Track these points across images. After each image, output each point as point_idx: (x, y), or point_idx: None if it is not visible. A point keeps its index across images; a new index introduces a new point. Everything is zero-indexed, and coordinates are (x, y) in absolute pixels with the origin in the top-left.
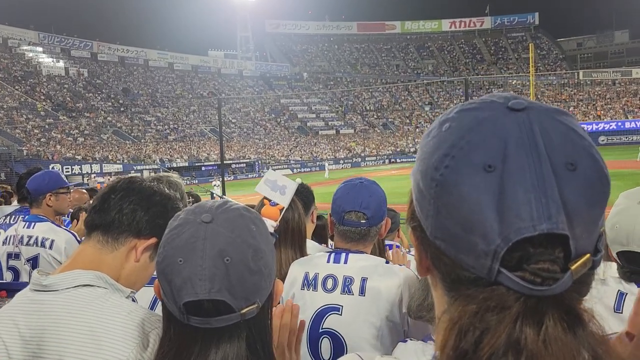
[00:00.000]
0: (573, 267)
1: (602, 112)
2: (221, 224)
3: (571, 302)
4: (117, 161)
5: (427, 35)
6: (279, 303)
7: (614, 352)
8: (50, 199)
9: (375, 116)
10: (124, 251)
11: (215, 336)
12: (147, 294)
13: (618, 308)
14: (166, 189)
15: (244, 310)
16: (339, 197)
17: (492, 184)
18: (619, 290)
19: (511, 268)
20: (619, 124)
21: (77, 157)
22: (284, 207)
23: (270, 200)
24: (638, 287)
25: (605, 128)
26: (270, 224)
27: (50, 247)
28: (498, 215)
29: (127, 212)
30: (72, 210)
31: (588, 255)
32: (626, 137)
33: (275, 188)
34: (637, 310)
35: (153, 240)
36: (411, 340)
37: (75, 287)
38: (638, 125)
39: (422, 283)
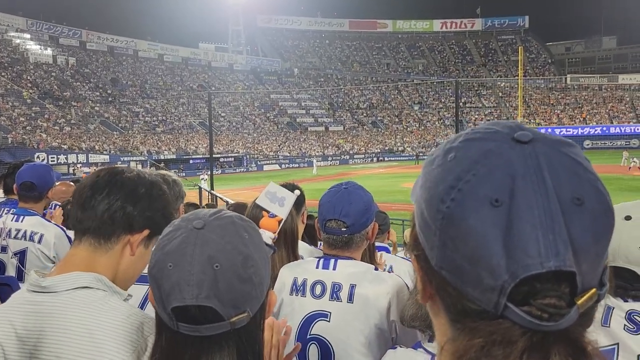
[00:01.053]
0: (579, 302)
1: (588, 116)
2: (212, 230)
3: (576, 336)
4: (104, 152)
5: (418, 35)
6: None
7: None
8: (50, 192)
9: (364, 114)
10: (119, 249)
11: (205, 345)
12: (138, 291)
13: (605, 322)
14: (146, 176)
15: (233, 319)
16: (322, 204)
17: (499, 219)
18: (606, 304)
19: (518, 302)
20: (604, 128)
21: (63, 146)
22: (282, 219)
23: (268, 212)
24: (624, 301)
25: (591, 132)
26: (269, 236)
27: (39, 242)
28: (505, 250)
29: (115, 210)
30: (59, 204)
31: (594, 290)
32: (611, 142)
33: (274, 200)
34: None
35: (146, 232)
36: (401, 347)
37: (74, 289)
38: (622, 131)
39: (415, 293)
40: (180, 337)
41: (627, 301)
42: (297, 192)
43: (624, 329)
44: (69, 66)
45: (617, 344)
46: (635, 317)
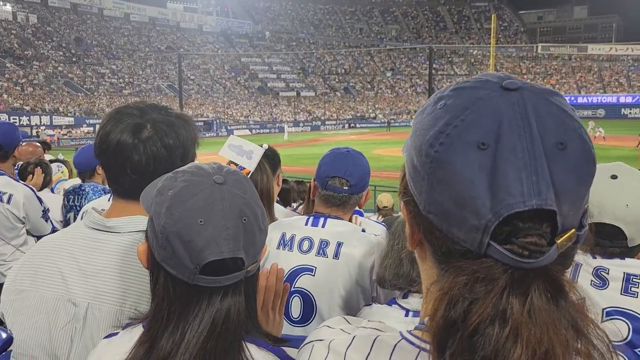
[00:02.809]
0: (559, 241)
1: (557, 86)
2: (234, 185)
3: (555, 274)
4: (69, 114)
5: (392, 0)
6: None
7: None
8: (17, 151)
9: (336, 80)
10: None
11: (220, 293)
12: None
13: (573, 278)
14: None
15: (249, 267)
16: (325, 163)
17: (485, 162)
18: (575, 261)
19: (500, 241)
20: (572, 98)
21: (25, 107)
22: (250, 172)
23: (237, 165)
24: (593, 258)
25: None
26: None
27: (8, 202)
28: (490, 192)
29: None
30: (20, 163)
31: (573, 230)
32: (578, 113)
33: (241, 153)
34: None
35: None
36: (375, 304)
37: (137, 231)
38: (590, 101)
39: (394, 253)
40: (195, 289)
41: (595, 258)
42: (265, 145)
43: (591, 284)
44: (30, 24)
45: (584, 299)
46: (602, 273)
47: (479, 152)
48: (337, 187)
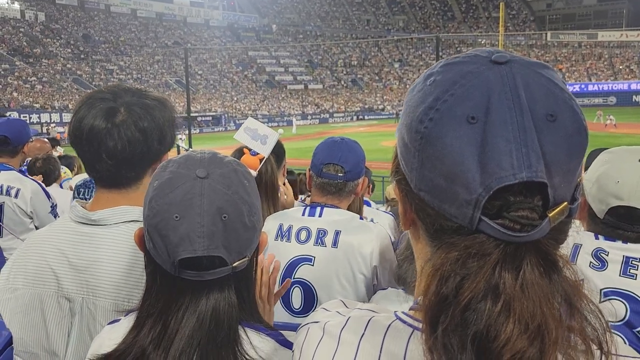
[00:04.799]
0: (551, 215)
1: (567, 74)
2: (217, 179)
3: (548, 248)
4: None
5: None
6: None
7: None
8: (26, 147)
9: (344, 72)
10: (147, 179)
11: (205, 288)
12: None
13: (572, 259)
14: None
15: (235, 264)
16: (319, 150)
17: (474, 136)
18: (574, 242)
19: (492, 216)
20: (583, 86)
21: (35, 105)
22: (264, 157)
23: (250, 150)
24: (595, 239)
25: (570, 90)
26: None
27: (16, 196)
28: (480, 165)
29: (136, 161)
30: (29, 159)
31: (565, 203)
32: (588, 100)
33: (256, 137)
34: None
35: (166, 155)
36: (391, 288)
37: (123, 222)
38: (600, 89)
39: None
40: (180, 283)
41: (597, 239)
42: (281, 131)
43: (590, 265)
44: (38, 21)
45: (582, 280)
46: (601, 254)
47: (468, 126)
48: (332, 174)
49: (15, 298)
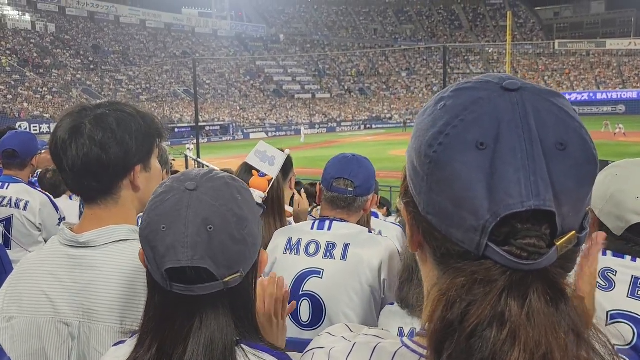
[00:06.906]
0: (558, 243)
1: (575, 82)
2: (205, 192)
3: (555, 277)
4: None
5: (406, 0)
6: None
7: (594, 325)
8: (35, 159)
9: (352, 81)
10: (127, 192)
11: (199, 304)
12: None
13: None
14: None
15: (227, 279)
16: (330, 165)
17: (483, 162)
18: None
19: (499, 243)
20: (591, 94)
21: (45, 115)
22: (272, 178)
23: (258, 171)
24: (603, 255)
25: (578, 99)
26: (259, 195)
27: (25, 209)
28: (488, 192)
29: (105, 177)
30: (39, 171)
31: (573, 232)
32: (597, 108)
33: (264, 159)
34: (582, 265)
35: (138, 166)
36: (397, 304)
37: (112, 242)
38: (609, 97)
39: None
40: (173, 297)
41: (605, 255)
42: (288, 151)
43: (597, 286)
44: (49, 33)
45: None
46: (609, 274)
47: (477, 153)
48: (342, 188)
49: (12, 327)
